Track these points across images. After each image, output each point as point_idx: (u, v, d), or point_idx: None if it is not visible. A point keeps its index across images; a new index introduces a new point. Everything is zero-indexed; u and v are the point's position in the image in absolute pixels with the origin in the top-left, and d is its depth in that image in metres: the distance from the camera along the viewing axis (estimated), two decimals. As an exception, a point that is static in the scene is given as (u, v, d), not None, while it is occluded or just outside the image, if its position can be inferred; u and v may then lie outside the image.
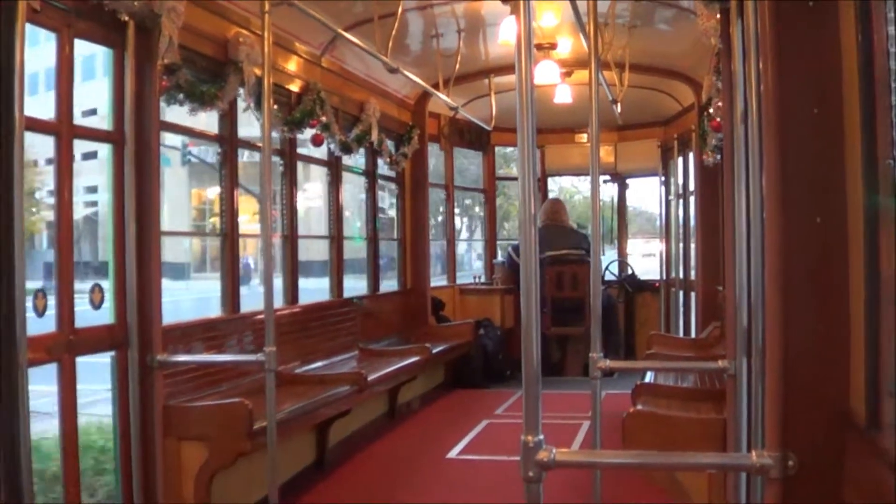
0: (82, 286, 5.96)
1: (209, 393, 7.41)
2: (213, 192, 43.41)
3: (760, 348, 4.08)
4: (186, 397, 7.07)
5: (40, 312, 5.52)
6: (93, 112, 6.11)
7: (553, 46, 11.27)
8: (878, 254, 3.04)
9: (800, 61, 3.44)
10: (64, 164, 5.84)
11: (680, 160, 14.19)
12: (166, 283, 6.58)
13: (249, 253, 44.29)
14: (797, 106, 3.43)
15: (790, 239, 3.43)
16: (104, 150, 6.22)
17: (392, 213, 14.47)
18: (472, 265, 31.27)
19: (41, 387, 5.43)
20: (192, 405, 6.93)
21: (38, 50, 5.87)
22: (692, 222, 13.31)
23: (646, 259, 17.70)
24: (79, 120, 5.79)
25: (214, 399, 7.22)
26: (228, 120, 8.44)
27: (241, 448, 6.61)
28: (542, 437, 2.92)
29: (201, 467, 6.57)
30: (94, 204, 34.98)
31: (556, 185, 18.76)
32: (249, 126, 8.67)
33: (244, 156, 9.00)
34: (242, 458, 6.70)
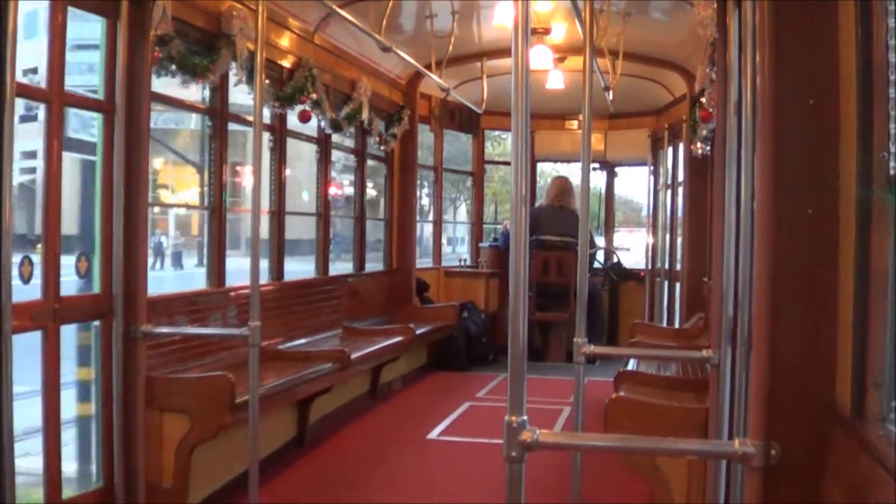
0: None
1: (192, 365, 7.40)
2: (159, 162, 42.66)
3: (746, 338, 4.10)
4: (169, 369, 7.06)
5: (26, 279, 5.51)
6: (34, 71, 6.05)
7: (547, 31, 11.28)
8: (869, 246, 3.05)
9: (797, 52, 3.44)
10: (54, 132, 5.80)
11: (670, 150, 14.21)
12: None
13: (161, 229, 42.84)
14: (793, 97, 3.43)
15: (781, 230, 3.43)
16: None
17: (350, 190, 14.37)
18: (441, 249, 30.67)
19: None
20: (175, 377, 6.92)
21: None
22: (679, 213, 13.34)
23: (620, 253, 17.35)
24: (20, 78, 5.68)
25: (197, 372, 7.21)
26: (219, 93, 8.41)
27: (223, 421, 6.61)
28: (525, 417, 2.94)
29: (182, 439, 6.57)
30: (32, 171, 32.78)
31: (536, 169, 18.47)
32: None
33: (191, 123, 8.91)
34: (223, 431, 6.70)
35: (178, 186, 39.25)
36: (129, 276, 6.38)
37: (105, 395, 6.36)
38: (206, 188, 8.64)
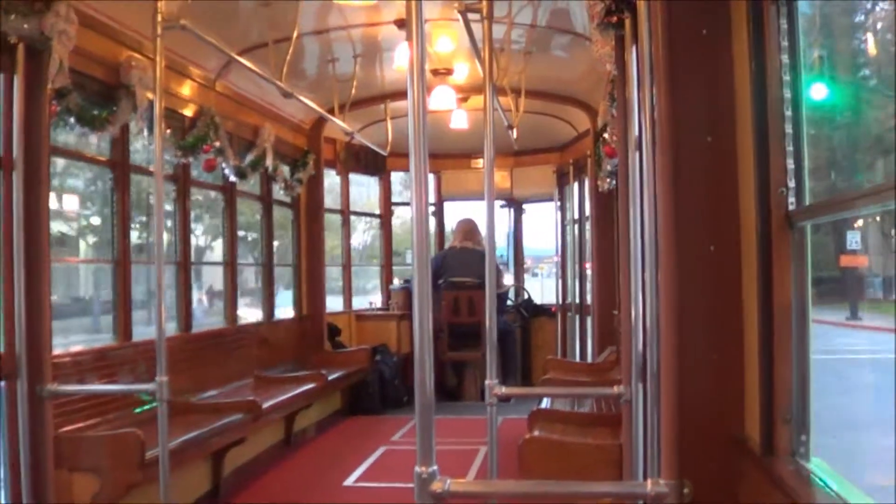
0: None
1: (101, 422, 7.26)
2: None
3: (655, 374, 4.10)
4: (77, 426, 6.92)
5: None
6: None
7: (449, 72, 11.29)
8: (770, 281, 3.07)
9: (694, 89, 3.48)
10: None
11: (576, 185, 14.31)
12: None
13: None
14: (691, 133, 3.46)
15: (684, 266, 3.45)
16: None
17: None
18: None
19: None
20: (83, 435, 6.79)
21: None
22: (588, 247, 13.42)
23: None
24: None
25: (106, 429, 7.08)
26: (120, 145, 8.30)
27: (133, 479, 6.49)
28: (435, 467, 2.88)
29: (92, 499, 6.44)
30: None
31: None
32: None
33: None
34: (135, 489, 6.58)
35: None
36: (32, 334, 6.23)
37: (12, 457, 6.20)
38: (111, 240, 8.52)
